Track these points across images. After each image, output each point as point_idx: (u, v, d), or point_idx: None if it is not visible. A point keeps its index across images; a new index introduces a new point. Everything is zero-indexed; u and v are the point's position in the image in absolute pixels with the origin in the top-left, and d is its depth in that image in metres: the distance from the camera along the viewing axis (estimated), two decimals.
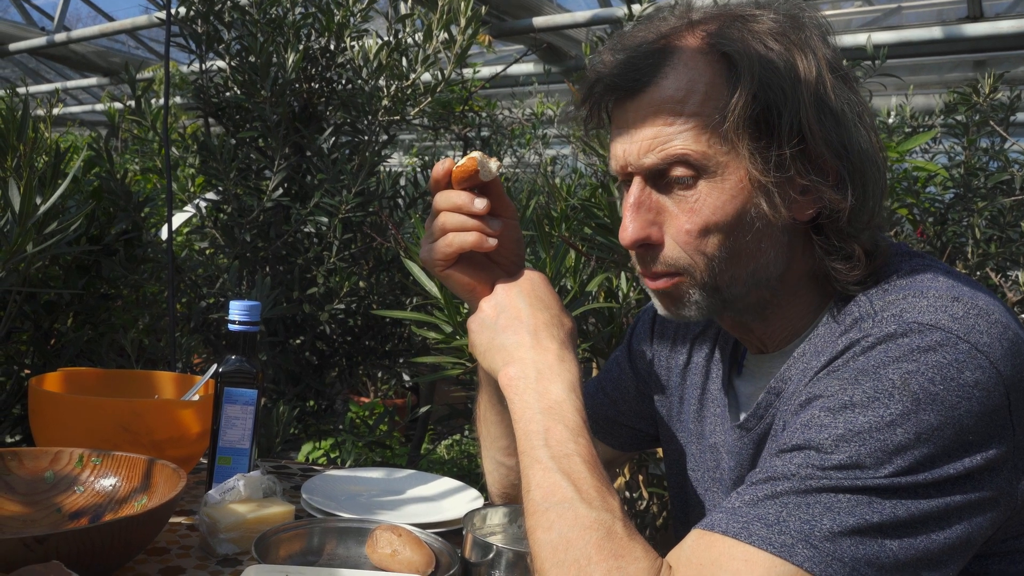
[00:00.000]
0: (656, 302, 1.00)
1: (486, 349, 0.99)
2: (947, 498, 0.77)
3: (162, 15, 2.14)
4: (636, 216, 0.93)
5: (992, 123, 3.09)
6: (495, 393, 1.12)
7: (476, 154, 0.96)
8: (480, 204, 0.97)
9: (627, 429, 1.27)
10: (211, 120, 2.57)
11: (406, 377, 3.46)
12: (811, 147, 0.89)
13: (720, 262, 0.92)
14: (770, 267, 0.94)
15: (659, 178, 0.92)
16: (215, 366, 1.35)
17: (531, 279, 1.01)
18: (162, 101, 2.50)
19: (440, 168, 0.98)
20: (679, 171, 0.90)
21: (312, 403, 2.70)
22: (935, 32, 4.73)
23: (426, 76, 2.53)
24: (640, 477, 2.15)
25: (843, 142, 0.89)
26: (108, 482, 1.23)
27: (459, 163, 0.98)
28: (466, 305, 1.85)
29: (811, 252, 0.95)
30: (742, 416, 1.04)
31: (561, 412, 0.90)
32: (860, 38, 3.80)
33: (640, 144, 0.91)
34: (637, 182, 0.94)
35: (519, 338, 0.96)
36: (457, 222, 0.98)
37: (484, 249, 0.98)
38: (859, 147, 0.90)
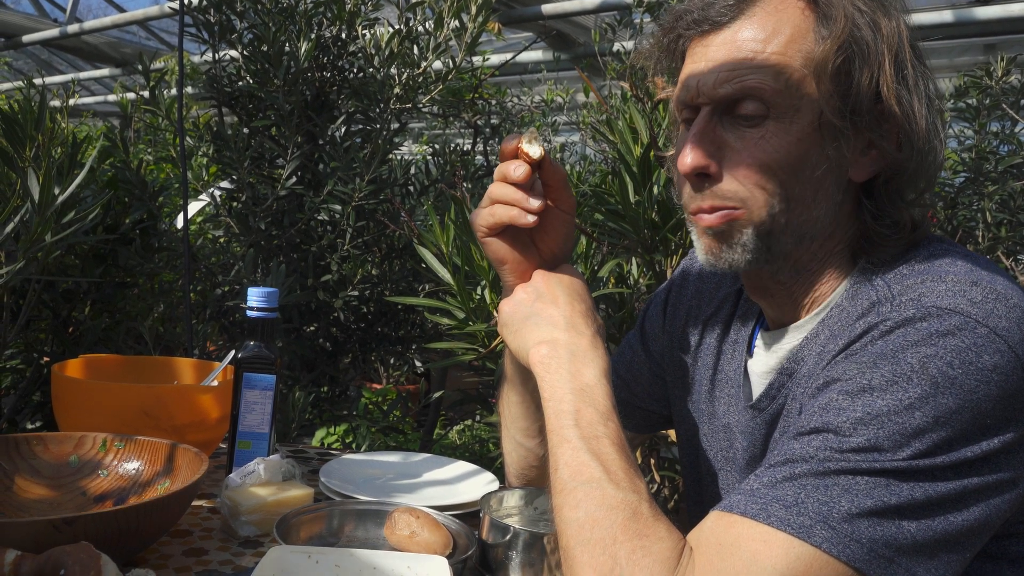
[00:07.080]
0: (699, 246, 0.99)
1: (518, 328, 1.00)
2: (964, 480, 0.77)
3: (174, 5, 2.15)
4: (699, 143, 0.93)
5: (1004, 106, 3.07)
6: (518, 374, 1.13)
7: (526, 134, 0.96)
8: (519, 172, 0.96)
9: (641, 411, 1.28)
10: (224, 109, 2.59)
11: (418, 363, 3.48)
12: (885, 107, 0.90)
13: (778, 202, 0.92)
14: (818, 224, 0.94)
15: (727, 112, 0.93)
16: (233, 352, 1.36)
17: (571, 275, 1.03)
18: (175, 91, 2.52)
19: (508, 142, 0.98)
20: (750, 107, 0.91)
21: (326, 389, 2.73)
22: (945, 16, 4.69)
23: (437, 64, 2.54)
24: (652, 461, 2.16)
25: (913, 109, 0.90)
26: (131, 466, 1.25)
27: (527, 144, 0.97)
28: (478, 292, 1.87)
29: (855, 221, 0.96)
30: (754, 396, 1.04)
31: (592, 395, 0.91)
32: None
33: (718, 75, 0.92)
34: (705, 113, 0.94)
35: (554, 321, 0.97)
36: (502, 193, 0.98)
37: (522, 224, 0.98)
38: (925, 118, 0.91)
